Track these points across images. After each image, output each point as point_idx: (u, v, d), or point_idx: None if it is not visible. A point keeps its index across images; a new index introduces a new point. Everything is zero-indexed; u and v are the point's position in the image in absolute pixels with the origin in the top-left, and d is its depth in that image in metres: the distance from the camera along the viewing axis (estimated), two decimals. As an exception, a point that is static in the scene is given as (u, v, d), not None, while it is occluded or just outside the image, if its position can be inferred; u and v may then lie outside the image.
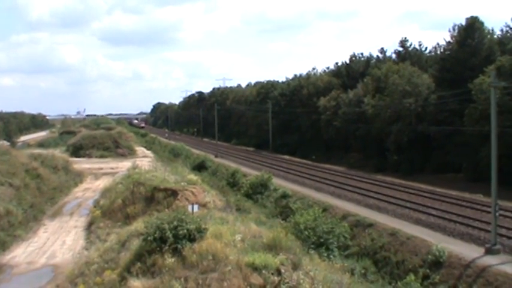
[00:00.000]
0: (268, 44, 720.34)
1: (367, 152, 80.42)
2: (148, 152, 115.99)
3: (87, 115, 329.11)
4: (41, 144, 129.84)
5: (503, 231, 35.18)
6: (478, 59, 63.43)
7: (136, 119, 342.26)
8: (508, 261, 30.73)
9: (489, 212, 35.77)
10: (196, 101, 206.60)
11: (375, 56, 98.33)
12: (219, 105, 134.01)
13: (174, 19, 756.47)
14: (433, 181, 58.98)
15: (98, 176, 78.42)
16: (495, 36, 68.91)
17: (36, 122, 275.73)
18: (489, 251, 32.21)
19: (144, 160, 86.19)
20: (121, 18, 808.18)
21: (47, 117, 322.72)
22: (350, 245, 38.72)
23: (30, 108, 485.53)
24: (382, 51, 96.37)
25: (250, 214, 41.59)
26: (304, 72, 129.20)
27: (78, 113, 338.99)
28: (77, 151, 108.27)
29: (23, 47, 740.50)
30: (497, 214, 32.93)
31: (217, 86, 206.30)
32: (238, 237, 23.19)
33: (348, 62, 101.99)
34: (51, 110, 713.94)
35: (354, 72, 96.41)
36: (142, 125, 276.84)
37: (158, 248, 21.46)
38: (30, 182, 56.75)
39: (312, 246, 32.02)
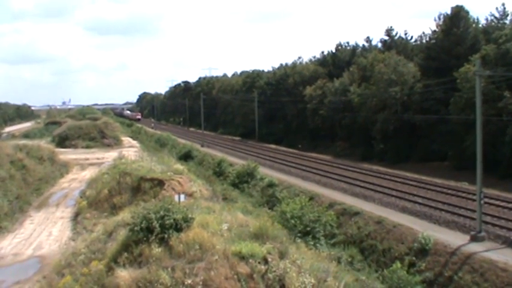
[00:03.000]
0: (254, 33, 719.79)
1: (353, 141, 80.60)
2: (135, 142, 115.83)
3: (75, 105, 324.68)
4: (26, 135, 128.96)
5: (488, 219, 35.48)
6: (463, 48, 63.65)
7: (124, 109, 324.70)
8: (493, 248, 31.02)
9: (474, 200, 36.03)
10: (182, 91, 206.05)
11: (360, 45, 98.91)
12: (205, 95, 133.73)
13: (160, 8, 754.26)
14: (419, 169, 59.25)
15: (84, 167, 78.23)
16: (480, 25, 69.20)
17: (21, 112, 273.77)
18: (474, 239, 32.48)
19: (131, 150, 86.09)
20: (105, 7, 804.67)
21: (32, 108, 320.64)
22: (336, 233, 38.89)
23: (15, 99, 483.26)
24: (368, 40, 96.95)
25: (237, 203, 41.61)
26: (290, 61, 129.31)
27: (64, 103, 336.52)
28: (63, 142, 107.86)
29: (6, 37, 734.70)
30: (482, 202, 33.18)
31: (203, 75, 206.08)
32: (225, 226, 23.22)
33: (334, 51, 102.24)
34: (36, 101, 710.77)
35: (339, 61, 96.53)
36: (139, 117, 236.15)
37: (145, 238, 21.44)
38: (16, 173, 56.50)
39: (299, 235, 32.09)
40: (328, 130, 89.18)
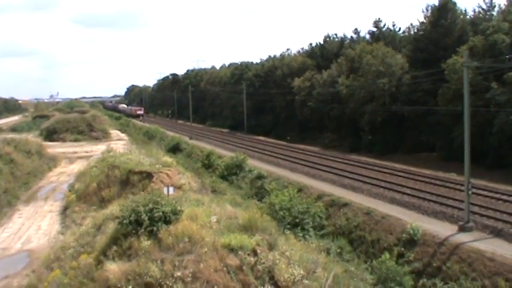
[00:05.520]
0: (242, 25, 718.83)
1: (341, 132, 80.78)
2: (123, 135, 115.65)
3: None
4: (14, 128, 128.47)
5: (476, 209, 35.61)
6: (451, 39, 63.84)
7: (112, 101, 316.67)
8: (481, 238, 31.19)
9: (462, 191, 36.17)
10: (170, 83, 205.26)
11: (349, 36, 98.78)
12: (193, 87, 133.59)
13: (147, 0, 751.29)
14: (407, 160, 59.45)
15: (73, 160, 78.01)
16: (468, 17, 69.37)
17: (9, 106, 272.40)
18: (462, 229, 32.64)
19: (119, 143, 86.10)
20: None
21: (20, 101, 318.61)
22: (325, 224, 38.91)
23: (2, 93, 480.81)
24: (356, 31, 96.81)
25: (226, 195, 41.72)
26: (278, 53, 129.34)
27: (51, 96, 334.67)
28: (51, 135, 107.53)
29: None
30: (470, 192, 33.33)
31: (191, 67, 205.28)
32: (213, 218, 23.24)
33: (322, 42, 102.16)
34: (23, 94, 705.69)
35: (328, 52, 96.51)
36: (140, 112, 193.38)
37: (134, 231, 21.43)
38: (4, 167, 56.31)
39: (288, 226, 32.15)
40: (317, 122, 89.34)
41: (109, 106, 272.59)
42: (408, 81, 66.20)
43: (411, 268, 30.33)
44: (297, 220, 34.44)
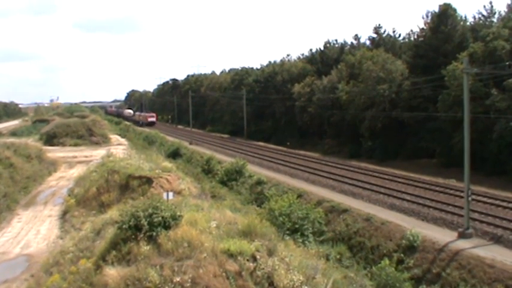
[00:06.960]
0: (242, 30, 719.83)
1: (341, 138, 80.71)
2: (123, 140, 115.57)
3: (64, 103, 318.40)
4: (14, 133, 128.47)
5: (476, 216, 35.62)
6: (451, 46, 63.86)
7: (112, 106, 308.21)
8: (480, 245, 31.17)
9: (462, 197, 36.20)
10: (170, 88, 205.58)
11: (349, 42, 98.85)
12: (193, 92, 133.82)
13: (148, 5, 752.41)
14: (407, 167, 59.41)
15: (72, 165, 77.99)
16: (468, 23, 69.43)
17: (9, 110, 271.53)
18: (462, 235, 32.63)
19: (119, 148, 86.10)
20: (93, 4, 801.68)
21: (20, 106, 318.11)
22: (325, 230, 38.92)
23: (2, 97, 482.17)
24: (356, 37, 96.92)
25: (225, 201, 41.64)
26: (278, 58, 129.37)
27: (52, 101, 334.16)
28: (51, 140, 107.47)
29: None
30: (469, 199, 33.32)
31: (191, 72, 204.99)
32: (213, 224, 23.23)
33: (322, 48, 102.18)
34: (23, 98, 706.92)
35: (328, 58, 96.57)
36: (152, 119, 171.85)
37: (133, 236, 21.42)
38: (3, 171, 56.26)
39: (287, 232, 32.12)
40: (317, 128, 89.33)
41: (112, 111, 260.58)
42: (408, 88, 66.18)
43: (410, 274, 30.35)
44: (297, 226, 34.42)
